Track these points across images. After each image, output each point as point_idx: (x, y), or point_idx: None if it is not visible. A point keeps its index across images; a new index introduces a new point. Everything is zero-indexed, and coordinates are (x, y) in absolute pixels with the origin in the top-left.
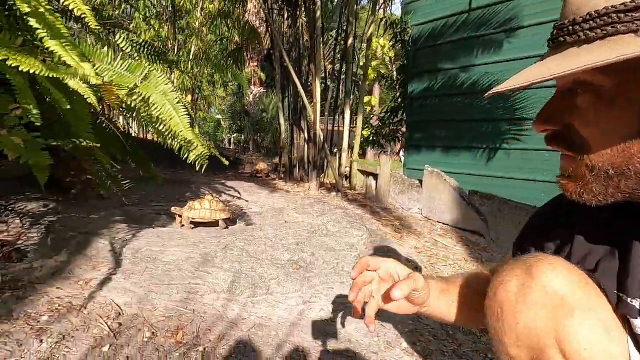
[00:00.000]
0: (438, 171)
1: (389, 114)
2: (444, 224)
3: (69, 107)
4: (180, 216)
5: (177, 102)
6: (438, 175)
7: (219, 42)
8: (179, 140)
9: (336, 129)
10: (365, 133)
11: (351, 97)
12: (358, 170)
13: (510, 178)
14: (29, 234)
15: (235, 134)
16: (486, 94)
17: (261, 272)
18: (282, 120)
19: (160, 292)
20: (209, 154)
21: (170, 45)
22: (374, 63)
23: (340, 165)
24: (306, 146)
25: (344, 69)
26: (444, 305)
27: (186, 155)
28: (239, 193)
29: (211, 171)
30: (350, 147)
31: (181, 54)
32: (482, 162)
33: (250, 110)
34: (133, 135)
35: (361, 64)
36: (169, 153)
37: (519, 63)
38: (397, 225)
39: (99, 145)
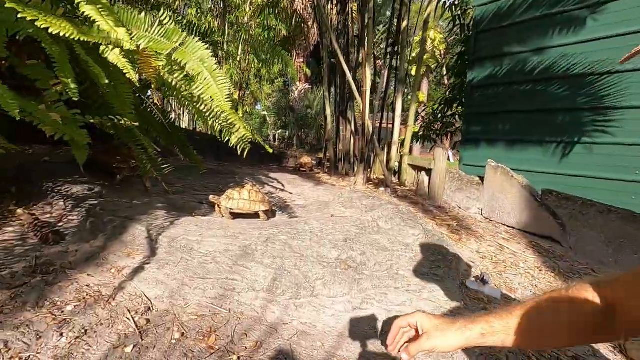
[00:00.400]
0: (504, 167)
1: (441, 106)
2: (508, 226)
3: (107, 81)
4: (218, 206)
5: (215, 70)
6: (504, 172)
7: (266, 31)
8: (220, 122)
9: (383, 125)
10: (414, 128)
11: (404, 84)
12: (408, 165)
13: (591, 177)
14: (70, 217)
15: (280, 130)
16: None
17: (305, 271)
18: (328, 111)
19: (194, 286)
20: (250, 137)
21: (221, 40)
22: (425, 57)
23: (389, 159)
24: (352, 139)
25: (395, 57)
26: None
27: (227, 139)
28: (283, 185)
29: (255, 164)
30: (401, 140)
31: (230, 48)
32: (555, 158)
33: (295, 106)
34: (182, 127)
35: (410, 57)
36: (214, 145)
37: (606, 43)
38: (454, 225)
39: (137, 124)
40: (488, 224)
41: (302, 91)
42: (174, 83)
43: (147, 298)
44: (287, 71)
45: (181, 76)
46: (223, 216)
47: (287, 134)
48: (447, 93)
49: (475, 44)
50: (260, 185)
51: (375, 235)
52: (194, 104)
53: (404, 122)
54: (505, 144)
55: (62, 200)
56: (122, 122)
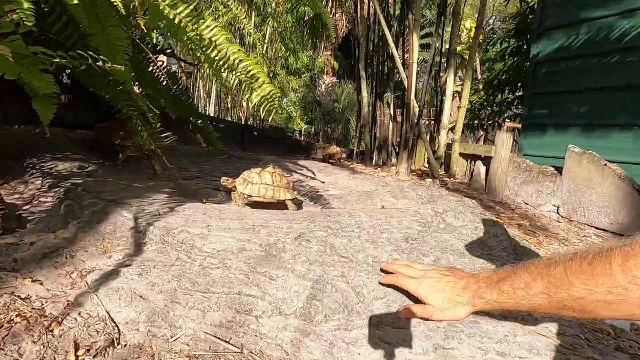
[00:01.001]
0: (592, 154)
1: (492, 90)
2: (598, 228)
3: (76, 2)
4: (232, 191)
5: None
6: (592, 160)
7: (295, 10)
8: (237, 74)
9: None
10: (462, 113)
11: (456, 58)
12: (460, 154)
13: None
14: (44, 198)
15: (306, 126)
16: None
17: (358, 284)
18: (364, 93)
19: (189, 304)
20: (277, 94)
21: (248, 29)
22: (458, 48)
23: (438, 146)
24: (391, 125)
25: (443, 27)
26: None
27: (248, 96)
28: (313, 173)
29: (281, 155)
30: (451, 124)
31: (257, 37)
32: None
33: (321, 100)
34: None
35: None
36: (238, 135)
37: None
38: (527, 226)
39: (122, 67)
40: (569, 224)
41: (330, 85)
42: (177, 20)
43: (114, 323)
44: (327, 36)
45: (187, 11)
46: (239, 205)
47: (312, 129)
48: (500, 75)
49: (543, 13)
50: (287, 172)
51: (445, 235)
52: (203, 50)
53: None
54: (581, 129)
55: (41, 178)
56: (105, 65)
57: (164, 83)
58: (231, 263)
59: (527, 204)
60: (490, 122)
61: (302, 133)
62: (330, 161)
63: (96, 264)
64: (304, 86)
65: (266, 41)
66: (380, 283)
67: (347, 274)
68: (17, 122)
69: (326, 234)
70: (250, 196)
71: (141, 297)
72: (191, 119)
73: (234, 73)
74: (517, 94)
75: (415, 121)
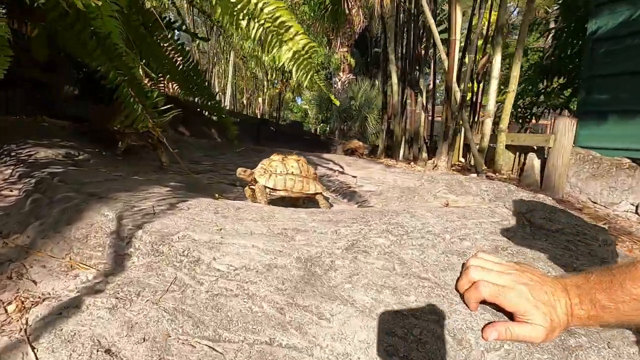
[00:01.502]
0: None
1: (536, 76)
2: None
3: None
4: (250, 185)
5: None
6: None
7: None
8: (261, 22)
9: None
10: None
11: (502, 35)
12: (506, 145)
13: None
14: (9, 191)
15: (322, 124)
16: None
17: (456, 325)
18: (394, 77)
19: None
20: (315, 47)
21: None
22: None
23: (482, 136)
24: (422, 115)
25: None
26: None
27: (274, 53)
28: (341, 167)
29: (299, 150)
30: (496, 112)
31: None
32: None
33: (337, 97)
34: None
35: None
36: (254, 129)
37: None
38: (606, 229)
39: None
40: None
41: (346, 82)
42: None
43: None
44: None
45: None
46: (260, 201)
47: (328, 127)
48: (545, 58)
49: None
50: (314, 165)
51: (539, 242)
52: None
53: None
54: None
55: (13, 166)
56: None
57: (170, 56)
58: (256, 288)
59: (594, 202)
60: (526, 116)
61: (318, 132)
62: (352, 155)
63: (52, 287)
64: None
65: None
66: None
67: (437, 308)
68: (17, 112)
69: (388, 242)
70: (274, 190)
71: (108, 351)
72: (203, 100)
73: (256, 21)
74: (559, 81)
75: (458, 108)
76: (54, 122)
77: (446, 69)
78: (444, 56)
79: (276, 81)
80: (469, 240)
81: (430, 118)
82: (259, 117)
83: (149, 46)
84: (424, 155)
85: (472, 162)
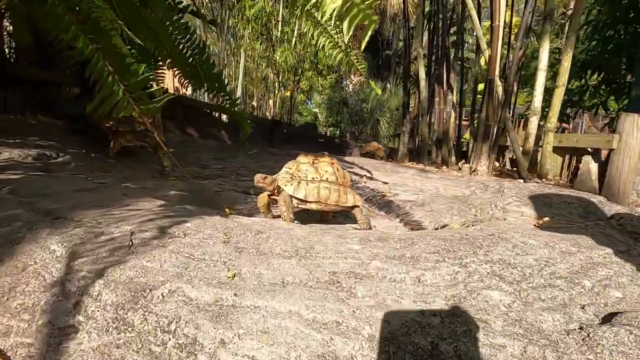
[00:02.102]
0: None
1: (578, 70)
2: None
3: None
4: (272, 194)
5: None
6: None
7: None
8: None
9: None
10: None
11: (551, 22)
12: (554, 147)
13: None
14: None
15: (331, 128)
16: None
17: None
18: (421, 73)
19: None
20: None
21: (274, 21)
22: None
23: (526, 137)
24: (453, 114)
25: None
26: None
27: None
28: (368, 172)
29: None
30: (542, 110)
31: (286, 29)
32: None
33: (348, 100)
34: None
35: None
36: (266, 132)
37: None
38: None
39: None
40: None
41: (357, 85)
42: None
43: None
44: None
45: None
46: (285, 218)
47: (338, 131)
48: (586, 53)
49: None
50: None
51: None
52: None
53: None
54: None
55: None
56: None
57: (172, 37)
58: None
59: None
60: (566, 114)
61: (328, 135)
62: (373, 159)
63: None
64: (329, 87)
65: (295, 34)
66: None
67: None
68: (16, 111)
69: (507, 298)
70: (304, 201)
71: None
72: (212, 91)
73: None
74: (598, 78)
75: (501, 104)
76: (47, 121)
77: (487, 59)
78: (483, 46)
79: (288, 83)
80: (617, 288)
81: (458, 120)
82: (277, 119)
83: (144, 20)
84: (453, 159)
85: (507, 166)
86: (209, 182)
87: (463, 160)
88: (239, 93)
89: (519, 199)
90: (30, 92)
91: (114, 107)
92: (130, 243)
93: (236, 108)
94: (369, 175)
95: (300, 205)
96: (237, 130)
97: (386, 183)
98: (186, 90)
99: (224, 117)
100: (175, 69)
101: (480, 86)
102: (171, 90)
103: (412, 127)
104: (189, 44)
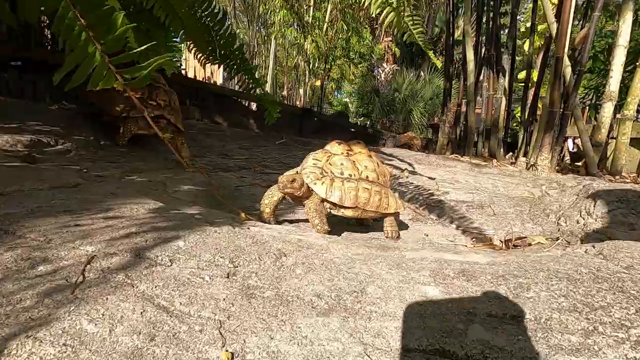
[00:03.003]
0: None
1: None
2: None
3: None
4: (300, 196)
5: None
6: None
7: None
8: None
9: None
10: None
11: None
12: (632, 139)
13: None
14: None
15: (362, 118)
16: None
17: None
18: (469, 54)
19: None
20: None
21: (305, 6)
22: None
23: (597, 127)
24: (504, 101)
25: None
26: None
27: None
28: (410, 165)
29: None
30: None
31: (316, 15)
32: None
33: (380, 89)
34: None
35: None
36: (296, 121)
37: None
38: None
39: None
40: None
41: (389, 73)
42: None
43: None
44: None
45: None
46: (318, 229)
47: (369, 122)
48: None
49: None
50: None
51: None
52: None
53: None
54: None
55: None
56: None
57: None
58: None
59: None
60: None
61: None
62: (411, 150)
63: None
64: (360, 76)
65: (326, 20)
66: None
67: None
68: (43, 98)
69: None
70: (338, 206)
71: None
72: (232, 67)
73: None
74: None
75: (570, 87)
76: (61, 106)
77: (554, 35)
78: (550, 18)
79: (318, 72)
80: None
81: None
82: (308, 107)
83: None
84: (502, 151)
85: (566, 160)
86: (230, 174)
87: (511, 153)
88: (269, 82)
89: (624, 205)
90: (33, 75)
91: (92, 77)
92: (80, 279)
93: (260, 90)
94: (410, 168)
95: (331, 210)
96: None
97: (433, 179)
98: (216, 78)
99: (254, 105)
100: (189, 42)
101: (522, 74)
102: (200, 78)
103: (455, 116)
104: (206, 13)
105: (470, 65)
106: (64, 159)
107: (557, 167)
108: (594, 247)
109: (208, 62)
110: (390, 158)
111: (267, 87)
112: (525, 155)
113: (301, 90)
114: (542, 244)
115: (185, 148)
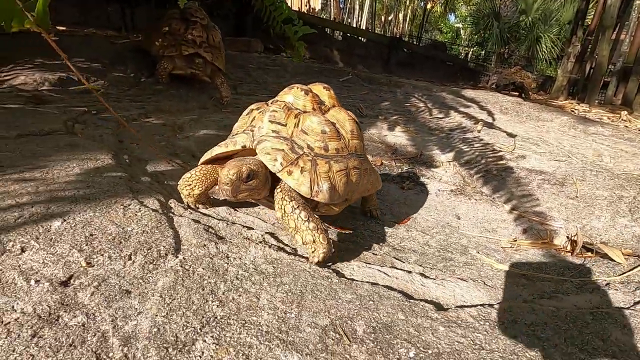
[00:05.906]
0: None
1: None
2: None
3: None
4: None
5: None
6: None
7: None
8: None
9: None
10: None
11: None
12: None
13: None
14: None
15: (475, 47)
16: None
17: None
18: None
19: None
20: None
21: None
22: None
23: None
24: None
25: None
26: None
27: None
28: (490, 114)
29: (439, 79)
30: None
31: None
32: None
33: (502, 12)
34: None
35: None
36: (384, 54)
37: None
38: None
39: None
40: None
41: None
42: None
43: None
44: None
45: None
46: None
47: (482, 51)
48: None
49: None
50: (442, 111)
51: None
52: None
53: None
54: None
55: None
56: None
57: None
58: None
59: None
60: None
61: (469, 57)
62: (513, 92)
63: None
64: None
65: None
66: None
67: None
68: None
69: None
70: (328, 204)
71: None
72: None
73: None
74: None
75: None
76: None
77: None
78: None
79: None
80: None
81: None
82: (397, 36)
83: None
84: (638, 98)
85: None
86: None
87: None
88: (366, 5)
89: None
90: (151, 11)
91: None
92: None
93: (293, 20)
94: (489, 120)
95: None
96: (352, 50)
97: (513, 136)
98: (315, 4)
99: (339, 34)
100: None
101: None
102: (295, 9)
103: (584, 47)
104: None
105: None
106: (78, 100)
107: None
108: None
109: None
110: (468, 104)
111: (365, 11)
112: None
113: (400, 15)
114: (614, 260)
115: (225, 87)
